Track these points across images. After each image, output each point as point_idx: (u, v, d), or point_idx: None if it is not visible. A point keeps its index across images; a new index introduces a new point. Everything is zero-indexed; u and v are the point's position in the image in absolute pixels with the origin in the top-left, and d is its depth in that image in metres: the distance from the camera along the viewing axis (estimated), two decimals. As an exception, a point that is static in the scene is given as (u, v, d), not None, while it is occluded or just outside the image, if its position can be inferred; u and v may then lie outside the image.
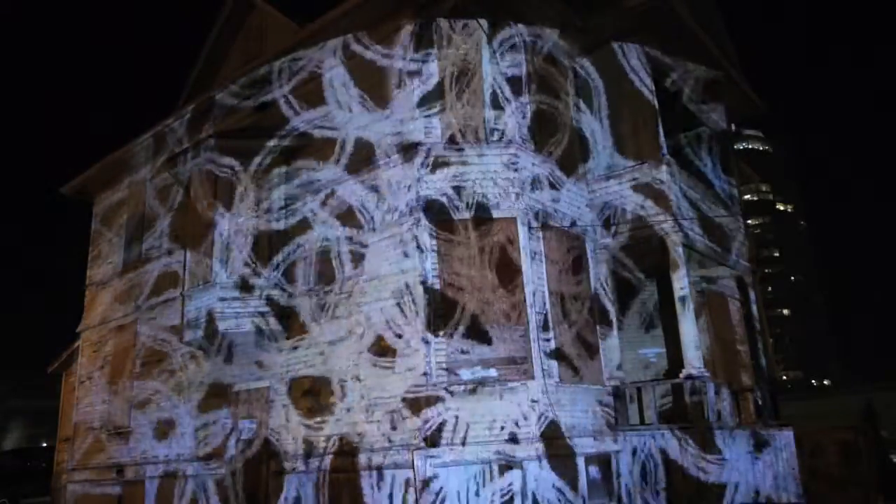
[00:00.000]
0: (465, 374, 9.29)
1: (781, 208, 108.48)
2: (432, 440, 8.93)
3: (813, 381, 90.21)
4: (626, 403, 10.80)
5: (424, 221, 9.80)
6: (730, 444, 10.29)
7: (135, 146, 15.39)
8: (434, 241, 9.76)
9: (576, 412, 9.99)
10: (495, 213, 9.99)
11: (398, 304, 9.80)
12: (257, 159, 12.06)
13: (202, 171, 12.37)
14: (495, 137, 10.35)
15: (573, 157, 11.92)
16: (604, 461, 10.26)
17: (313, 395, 10.64)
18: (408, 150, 10.23)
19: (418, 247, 9.75)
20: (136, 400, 14.37)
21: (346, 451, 9.90)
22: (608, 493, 10.12)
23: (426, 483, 8.71)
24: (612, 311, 11.45)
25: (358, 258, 10.56)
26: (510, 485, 8.90)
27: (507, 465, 8.94)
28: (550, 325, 10.04)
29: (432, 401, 9.10)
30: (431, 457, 8.81)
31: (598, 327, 11.11)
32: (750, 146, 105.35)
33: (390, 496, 9.17)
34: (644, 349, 13.22)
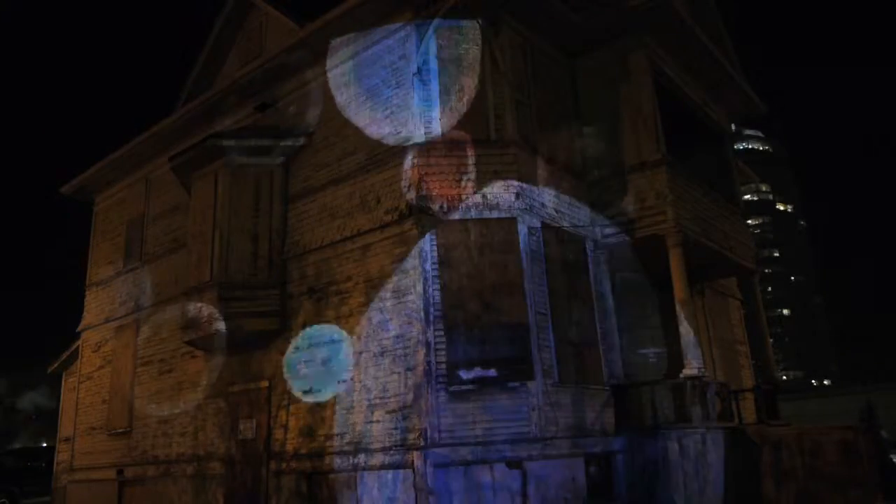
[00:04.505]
0: (466, 374, 9.29)
1: (781, 208, 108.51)
2: (432, 440, 8.93)
3: (813, 381, 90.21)
4: (627, 403, 10.80)
5: (425, 221, 9.80)
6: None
7: (135, 146, 15.39)
8: (434, 241, 9.76)
9: (576, 412, 9.99)
10: (495, 214, 9.99)
11: (398, 305, 9.80)
12: (257, 159, 12.06)
13: (202, 171, 12.37)
14: (495, 137, 10.35)
15: (573, 157, 11.93)
16: (604, 461, 10.26)
17: (313, 394, 10.64)
18: (408, 149, 10.23)
19: (418, 247, 9.75)
20: (136, 400, 14.37)
21: (347, 451, 9.90)
22: (608, 493, 10.12)
23: (426, 483, 8.70)
24: (611, 311, 11.45)
25: (358, 258, 10.56)
26: (510, 485, 8.89)
27: (507, 465, 8.94)
28: (550, 325, 10.04)
29: (432, 401, 9.09)
30: (431, 457, 8.81)
31: (597, 327, 11.11)
32: (750, 146, 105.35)
33: (390, 496, 9.17)
34: (644, 349, 13.22)
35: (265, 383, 11.47)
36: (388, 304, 9.93)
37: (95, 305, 16.54)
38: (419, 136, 10.20)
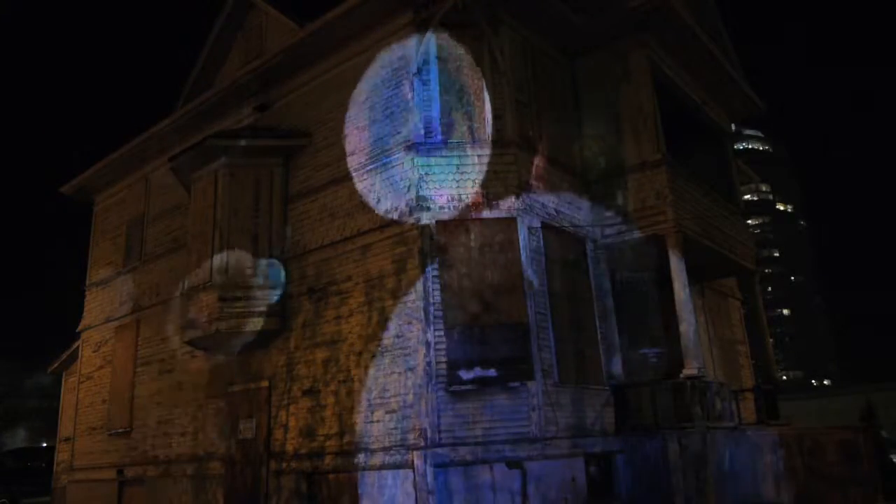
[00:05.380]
0: (466, 374, 9.28)
1: (781, 208, 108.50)
2: (432, 440, 8.93)
3: (813, 381, 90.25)
4: (627, 403, 10.80)
5: (425, 221, 9.80)
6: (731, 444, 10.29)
7: (135, 146, 15.39)
8: (434, 242, 9.76)
9: (576, 412, 9.99)
10: (495, 214, 9.99)
11: (398, 304, 9.80)
12: (257, 159, 12.07)
13: (202, 171, 12.37)
14: (495, 137, 10.34)
15: (573, 157, 11.93)
16: (604, 461, 10.26)
17: (313, 394, 10.65)
18: (408, 149, 10.23)
19: (418, 247, 9.75)
20: (136, 400, 14.37)
21: (346, 451, 9.90)
22: (608, 493, 10.12)
23: (426, 483, 8.70)
24: (611, 310, 11.45)
25: (358, 258, 10.56)
26: (510, 485, 8.89)
27: (507, 465, 8.94)
28: (550, 325, 10.04)
29: (432, 401, 9.09)
30: (431, 457, 8.81)
31: (598, 327, 11.12)
32: (750, 146, 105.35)
33: (390, 496, 9.17)
34: (644, 349, 13.23)
35: (265, 383, 11.47)
36: (388, 303, 9.93)
37: (95, 305, 16.54)
38: (419, 136, 10.20)
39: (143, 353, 14.54)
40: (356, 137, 11.12)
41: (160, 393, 13.80)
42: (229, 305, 11.26)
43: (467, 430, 9.05)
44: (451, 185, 10.03)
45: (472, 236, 9.88)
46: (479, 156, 10.21)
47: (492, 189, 10.07)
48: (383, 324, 9.93)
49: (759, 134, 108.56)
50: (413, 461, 8.90)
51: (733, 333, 16.71)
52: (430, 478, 8.70)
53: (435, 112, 10.34)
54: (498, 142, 10.32)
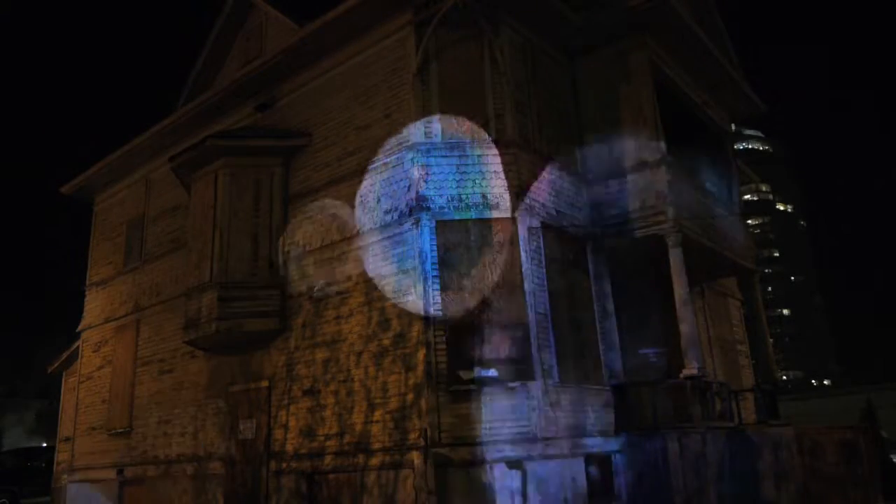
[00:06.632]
0: (466, 374, 9.28)
1: (781, 208, 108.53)
2: (432, 440, 8.93)
3: (813, 381, 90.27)
4: (627, 403, 10.80)
5: (424, 221, 9.80)
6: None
7: (135, 146, 15.40)
8: (434, 242, 9.75)
9: (576, 412, 9.99)
10: (495, 213, 9.98)
11: (398, 305, 9.80)
12: (257, 159, 12.07)
13: (202, 171, 12.38)
14: (495, 137, 10.34)
15: (573, 157, 11.92)
16: (604, 461, 10.27)
17: (313, 394, 10.65)
18: (408, 149, 10.23)
19: (418, 247, 9.75)
20: (136, 400, 14.37)
21: (346, 451, 9.90)
22: (608, 493, 10.13)
23: (426, 483, 8.70)
24: (611, 310, 11.44)
25: (358, 258, 10.56)
26: (510, 485, 8.89)
27: (507, 465, 8.94)
28: (550, 325, 10.03)
29: (432, 401, 9.09)
30: (431, 457, 8.80)
31: (597, 327, 11.11)
32: (750, 146, 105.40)
33: (390, 497, 9.17)
34: (644, 349, 13.22)
35: (265, 383, 11.47)
36: (388, 304, 9.93)
37: (95, 305, 16.54)
38: (419, 136, 10.20)
39: (143, 353, 14.54)
40: (356, 137, 11.12)
41: (160, 393, 13.80)
42: (229, 305, 11.27)
43: (467, 430, 9.04)
44: (451, 185, 10.03)
45: (472, 236, 9.88)
46: (478, 156, 10.21)
47: (492, 189, 10.07)
48: (383, 324, 9.93)
49: (760, 134, 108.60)
50: (413, 461, 8.90)
51: (733, 333, 16.71)
52: (430, 478, 8.70)
53: (435, 112, 10.33)
54: (498, 142, 10.32)
